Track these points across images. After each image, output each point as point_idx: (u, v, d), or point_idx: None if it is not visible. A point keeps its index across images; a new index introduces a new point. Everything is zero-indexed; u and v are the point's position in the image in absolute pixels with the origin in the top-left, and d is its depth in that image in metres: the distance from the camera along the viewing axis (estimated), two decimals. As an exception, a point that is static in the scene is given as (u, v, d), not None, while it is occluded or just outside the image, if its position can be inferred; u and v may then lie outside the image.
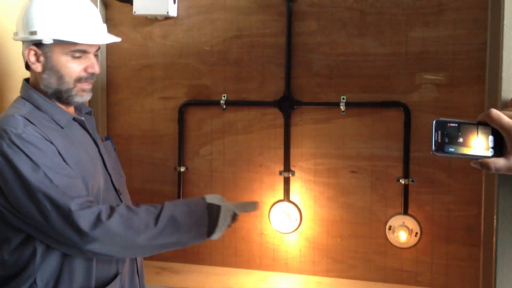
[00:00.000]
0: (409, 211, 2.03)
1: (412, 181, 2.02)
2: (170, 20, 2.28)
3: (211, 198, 1.55)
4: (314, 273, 2.17)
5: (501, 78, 1.01)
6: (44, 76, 1.53)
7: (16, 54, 1.60)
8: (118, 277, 1.57)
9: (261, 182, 2.21)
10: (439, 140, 0.89)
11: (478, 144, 0.90)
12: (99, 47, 1.60)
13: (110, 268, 1.56)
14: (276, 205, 2.17)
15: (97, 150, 1.64)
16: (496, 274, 1.02)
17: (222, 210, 1.52)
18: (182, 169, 2.28)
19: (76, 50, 1.51)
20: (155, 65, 2.31)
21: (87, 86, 1.56)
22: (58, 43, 1.49)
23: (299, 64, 2.13)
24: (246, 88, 2.20)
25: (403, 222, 2.02)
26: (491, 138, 0.91)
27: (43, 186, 1.36)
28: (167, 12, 2.20)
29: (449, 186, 2.00)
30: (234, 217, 1.56)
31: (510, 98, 0.98)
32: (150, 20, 2.30)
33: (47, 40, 1.48)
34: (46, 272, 1.44)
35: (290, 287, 2.10)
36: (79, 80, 1.53)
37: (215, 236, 1.51)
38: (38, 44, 1.50)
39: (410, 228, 2.02)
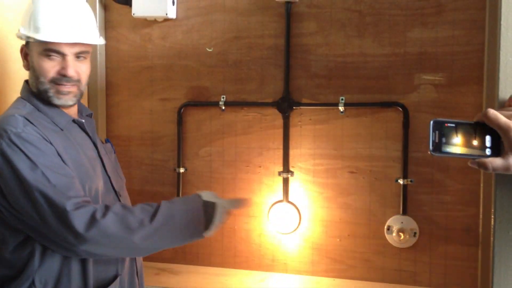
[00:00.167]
0: (408, 211, 2.04)
1: (411, 181, 2.03)
2: (169, 22, 2.28)
3: (206, 195, 1.55)
4: (313, 273, 2.18)
5: (498, 78, 1.01)
6: (30, 75, 1.55)
7: (15, 54, 1.60)
8: (118, 279, 1.57)
9: (260, 183, 2.22)
10: (437, 140, 0.90)
11: (476, 144, 0.91)
12: (85, 50, 1.53)
13: (109, 270, 1.56)
14: (275, 205, 2.17)
15: (96, 152, 1.64)
16: (494, 273, 1.03)
17: (218, 207, 1.51)
18: (182, 170, 2.29)
19: (47, 49, 1.48)
20: (154, 66, 2.32)
21: (63, 88, 1.51)
22: (36, 42, 1.49)
23: (298, 65, 2.14)
24: (245, 89, 2.21)
25: (402, 222, 2.03)
26: (488, 138, 0.91)
27: (40, 185, 1.36)
28: (166, 14, 2.20)
29: (447, 186, 2.01)
30: (227, 214, 1.55)
31: (507, 98, 0.98)
32: (149, 22, 2.30)
33: (23, 37, 1.51)
34: (45, 274, 1.44)
35: (289, 288, 2.11)
36: (53, 81, 1.50)
37: (210, 233, 1.51)
38: (27, 43, 1.53)
39: (409, 228, 2.02)
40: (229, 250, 2.27)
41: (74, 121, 1.60)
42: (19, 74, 1.61)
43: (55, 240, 1.39)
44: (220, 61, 2.23)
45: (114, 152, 1.83)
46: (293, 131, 2.16)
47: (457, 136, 0.91)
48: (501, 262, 1.02)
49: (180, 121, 2.28)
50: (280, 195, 2.18)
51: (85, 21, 1.54)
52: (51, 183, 1.37)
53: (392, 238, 2.05)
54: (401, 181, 2.03)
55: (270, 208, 2.18)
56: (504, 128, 0.89)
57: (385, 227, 2.06)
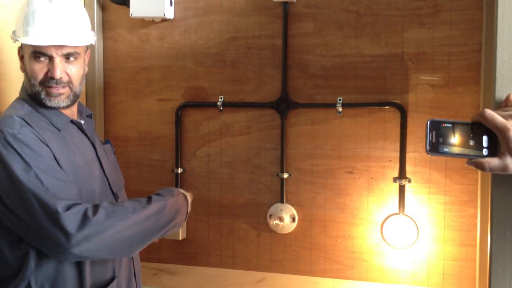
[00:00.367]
0: (406, 212, 2.04)
1: (409, 181, 2.03)
2: (167, 22, 2.28)
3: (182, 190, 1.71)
4: (311, 273, 2.18)
5: (495, 78, 1.01)
6: (24, 77, 1.56)
7: (14, 55, 1.60)
8: (115, 280, 1.57)
9: (258, 183, 2.22)
10: (434, 140, 0.90)
11: (472, 144, 0.91)
12: (73, 52, 1.52)
13: (106, 271, 1.55)
14: (273, 206, 2.17)
15: (94, 153, 1.64)
16: (491, 273, 1.03)
17: (189, 198, 1.70)
18: (180, 170, 2.29)
19: (35, 52, 1.48)
20: (152, 67, 2.32)
21: (54, 90, 1.50)
22: (26, 45, 1.50)
23: (295, 66, 2.14)
24: (243, 89, 2.21)
25: (400, 223, 2.03)
26: (485, 138, 0.92)
27: (33, 187, 1.35)
28: (164, 14, 2.20)
29: (445, 186, 2.01)
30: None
31: (504, 98, 0.99)
32: (147, 22, 2.30)
33: (14, 40, 1.52)
34: (41, 275, 1.43)
35: (287, 288, 2.11)
36: (43, 83, 1.50)
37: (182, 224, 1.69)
38: (21, 45, 1.54)
39: (407, 228, 2.02)
40: (227, 250, 2.27)
41: (72, 122, 1.60)
42: (18, 75, 1.61)
43: (47, 242, 1.37)
44: (217, 61, 2.23)
45: (114, 153, 1.83)
46: (290, 132, 2.16)
47: (454, 136, 0.91)
48: (498, 262, 1.02)
49: (178, 122, 2.28)
50: (278, 195, 2.18)
51: (72, 22, 1.53)
52: (44, 185, 1.36)
53: (390, 238, 2.05)
54: (398, 181, 2.03)
55: (268, 209, 2.18)
56: (500, 128, 0.89)
57: (383, 227, 2.06)
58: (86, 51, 1.63)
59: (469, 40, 1.95)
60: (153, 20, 2.29)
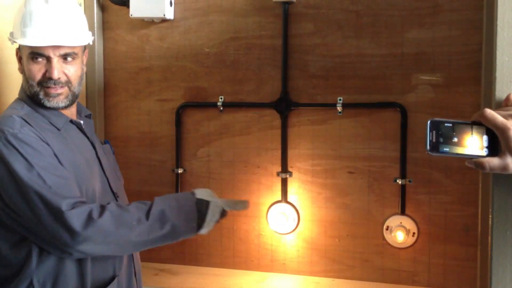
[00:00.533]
0: (406, 211, 2.04)
1: (409, 181, 2.03)
2: (166, 23, 2.28)
3: (201, 193, 1.55)
4: (312, 273, 2.18)
5: (495, 78, 1.01)
6: (23, 78, 1.56)
7: (12, 56, 1.61)
8: (116, 279, 1.57)
9: (258, 183, 2.22)
10: (434, 140, 0.90)
11: (473, 144, 0.91)
12: (70, 52, 1.52)
13: (107, 270, 1.56)
14: (274, 206, 2.17)
15: (94, 153, 1.64)
16: (492, 273, 1.03)
17: (211, 206, 1.51)
18: (180, 171, 2.29)
19: (33, 53, 1.49)
20: (152, 67, 2.32)
21: (52, 91, 1.51)
22: (23, 46, 1.51)
23: (295, 66, 2.14)
24: (243, 89, 2.21)
25: (401, 222, 2.03)
26: (485, 137, 0.91)
27: (35, 185, 1.36)
28: (164, 15, 2.20)
29: (446, 186, 2.01)
30: (223, 214, 1.54)
31: (504, 98, 0.98)
32: (147, 23, 2.30)
33: (12, 42, 1.53)
34: (43, 274, 1.44)
35: (288, 288, 2.11)
36: (41, 84, 1.50)
37: (203, 231, 1.51)
38: (19, 47, 1.55)
39: (408, 228, 2.02)
40: (228, 251, 2.27)
41: (72, 122, 1.60)
42: (17, 76, 1.62)
43: (51, 240, 1.39)
44: (217, 61, 2.23)
45: (113, 153, 1.83)
46: (291, 132, 2.16)
47: (454, 135, 0.91)
48: (499, 262, 1.02)
49: (178, 122, 2.28)
50: (278, 195, 2.18)
51: (69, 23, 1.53)
52: (46, 184, 1.37)
53: (391, 238, 2.05)
54: (399, 181, 2.03)
55: (268, 209, 2.18)
56: (501, 128, 0.89)
57: (384, 227, 2.06)
58: (84, 51, 1.63)
59: (469, 40, 1.95)
60: (153, 21, 2.29)
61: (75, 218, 1.35)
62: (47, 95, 1.51)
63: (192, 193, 1.55)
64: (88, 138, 1.65)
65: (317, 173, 2.15)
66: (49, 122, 1.53)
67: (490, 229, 1.03)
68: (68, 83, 1.54)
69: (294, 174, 2.17)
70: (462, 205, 2.00)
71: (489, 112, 0.90)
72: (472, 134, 0.91)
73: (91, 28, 1.97)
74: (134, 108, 2.36)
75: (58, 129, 1.53)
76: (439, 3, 1.97)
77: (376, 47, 2.04)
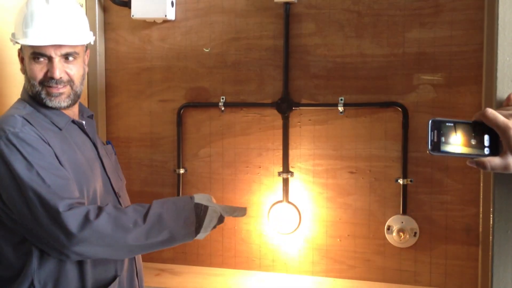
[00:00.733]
0: (408, 211, 2.04)
1: (411, 181, 2.03)
2: (168, 23, 2.29)
3: (199, 198, 1.54)
4: (314, 273, 2.18)
5: (496, 77, 1.02)
6: (25, 78, 1.57)
7: (15, 56, 1.61)
8: (117, 279, 1.57)
9: (260, 184, 2.22)
10: (435, 140, 0.90)
11: (474, 143, 0.91)
12: (72, 51, 1.53)
13: (108, 270, 1.56)
14: (275, 206, 2.17)
15: (96, 153, 1.64)
16: (493, 273, 1.03)
17: (209, 211, 1.50)
18: (181, 171, 2.29)
19: (34, 53, 1.50)
20: (154, 68, 2.32)
21: (54, 90, 1.51)
22: (25, 46, 1.51)
23: (297, 66, 2.14)
24: (245, 90, 2.21)
25: (402, 222, 2.03)
26: (486, 137, 0.92)
27: (34, 185, 1.36)
28: (165, 16, 2.21)
29: (447, 186, 2.01)
30: (220, 219, 1.54)
31: (505, 97, 0.99)
32: (149, 24, 2.31)
33: (13, 42, 1.54)
34: (44, 274, 1.44)
35: (289, 288, 2.11)
36: (43, 83, 1.51)
37: (200, 236, 1.50)
38: (21, 47, 1.56)
39: (409, 228, 2.02)
40: (229, 251, 2.27)
41: (73, 122, 1.60)
42: (20, 76, 1.63)
43: (48, 241, 1.38)
44: (219, 62, 2.23)
45: (115, 154, 1.84)
46: (292, 132, 2.16)
47: (455, 135, 0.91)
48: (500, 262, 1.02)
49: (179, 122, 2.28)
50: (280, 195, 2.18)
51: (69, 22, 1.54)
52: (45, 183, 1.37)
53: (392, 238, 2.05)
54: (400, 181, 2.03)
55: (270, 209, 2.18)
56: (502, 128, 0.89)
57: (385, 227, 2.06)
58: (85, 51, 1.64)
59: (470, 40, 1.95)
60: (154, 21, 2.29)
61: (72, 219, 1.35)
62: (49, 94, 1.52)
63: (190, 197, 1.55)
64: (90, 138, 1.65)
65: (318, 173, 2.15)
66: (51, 122, 1.53)
67: (491, 229, 1.03)
68: (70, 82, 1.54)
69: (295, 174, 2.17)
70: (463, 205, 2.00)
71: (491, 111, 0.90)
72: (473, 133, 0.91)
73: (92, 29, 1.97)
74: (135, 108, 2.36)
75: (60, 129, 1.54)
76: (440, 3, 1.97)
77: (377, 47, 2.05)
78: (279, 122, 2.17)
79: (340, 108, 2.07)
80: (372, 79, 2.06)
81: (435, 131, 0.90)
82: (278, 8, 2.13)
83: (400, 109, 2.02)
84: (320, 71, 2.12)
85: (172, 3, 2.23)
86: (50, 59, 1.50)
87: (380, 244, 2.09)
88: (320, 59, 2.11)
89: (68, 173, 1.45)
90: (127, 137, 2.38)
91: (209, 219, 1.50)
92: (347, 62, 2.08)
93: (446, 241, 2.03)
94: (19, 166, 1.37)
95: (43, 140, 1.44)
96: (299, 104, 2.14)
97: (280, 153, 2.17)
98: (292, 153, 2.17)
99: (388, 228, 2.06)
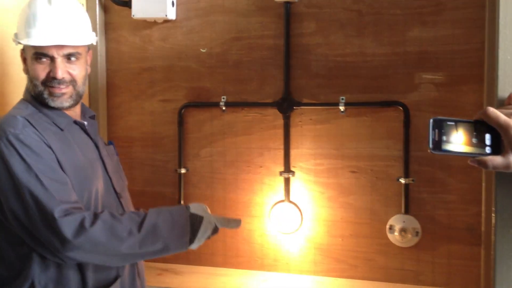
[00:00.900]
0: (410, 211, 2.03)
1: (412, 180, 2.02)
2: (169, 23, 2.29)
3: (195, 208, 1.54)
4: (315, 273, 2.18)
5: (497, 76, 1.01)
6: (27, 79, 1.57)
7: (17, 57, 1.62)
8: (118, 280, 1.57)
9: (261, 183, 2.22)
10: (437, 139, 0.90)
11: (475, 142, 0.91)
12: (74, 51, 1.53)
13: (109, 271, 1.56)
14: (277, 205, 2.17)
15: (97, 153, 1.64)
16: (495, 272, 1.02)
17: (204, 221, 1.51)
18: (183, 171, 2.29)
19: (37, 53, 1.50)
20: (155, 68, 2.32)
21: (56, 90, 1.52)
22: (27, 46, 1.52)
23: (298, 65, 2.14)
24: (246, 89, 2.21)
25: (404, 222, 2.03)
26: (488, 136, 0.91)
27: (32, 187, 1.37)
28: (166, 15, 2.21)
29: (449, 185, 2.01)
30: (214, 230, 1.54)
31: (506, 96, 0.98)
32: (149, 23, 2.31)
33: (16, 42, 1.54)
34: (44, 275, 1.44)
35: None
36: (45, 84, 1.51)
37: (193, 246, 1.51)
38: (24, 47, 1.56)
39: (411, 227, 2.02)
40: (231, 250, 2.27)
41: (75, 122, 1.60)
42: (21, 76, 1.63)
43: (43, 243, 1.39)
44: (220, 61, 2.23)
45: (117, 154, 1.83)
46: (293, 131, 2.16)
47: (457, 134, 0.91)
48: (502, 261, 1.02)
49: (181, 122, 2.28)
50: (281, 195, 2.18)
51: (71, 23, 1.54)
52: (43, 186, 1.38)
53: (394, 237, 2.05)
54: (402, 180, 2.03)
55: (271, 208, 2.18)
56: (504, 126, 0.89)
57: (387, 226, 2.06)
58: (87, 52, 1.64)
59: (471, 39, 1.95)
60: (155, 21, 2.29)
61: (67, 226, 1.35)
62: (51, 94, 1.52)
63: (186, 207, 1.55)
64: (91, 139, 1.65)
65: (319, 172, 2.14)
66: (53, 122, 1.53)
67: (493, 228, 1.03)
68: (72, 82, 1.55)
69: (296, 174, 2.17)
70: (465, 204, 2.00)
71: (492, 110, 0.90)
72: (475, 132, 0.91)
73: (93, 29, 1.97)
74: (137, 108, 2.36)
75: (62, 130, 1.54)
76: (441, 2, 1.97)
77: (378, 46, 2.04)
78: (280, 121, 2.16)
79: (341, 108, 2.07)
80: (373, 78, 2.06)
81: (437, 130, 0.90)
82: (279, 7, 2.13)
83: (401, 108, 2.02)
84: (321, 70, 2.11)
85: (172, 3, 2.23)
86: (52, 59, 1.50)
87: (382, 243, 2.09)
88: (321, 58, 2.11)
89: (66, 177, 1.45)
90: (128, 137, 2.38)
91: (204, 230, 1.50)
92: (348, 61, 2.08)
93: (448, 240, 2.02)
94: (18, 168, 1.38)
95: (44, 142, 1.44)
96: (300, 104, 2.13)
97: (281, 153, 2.17)
98: (293, 152, 2.17)
99: (390, 228, 2.05)
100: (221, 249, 2.28)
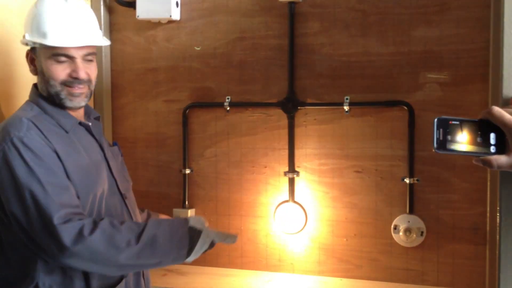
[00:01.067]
0: (415, 211, 2.03)
1: (417, 180, 2.02)
2: (173, 24, 2.29)
3: (194, 221, 1.53)
4: (320, 273, 2.18)
5: (502, 76, 1.01)
6: (38, 79, 1.57)
7: (20, 59, 1.62)
8: (123, 281, 1.58)
9: (266, 183, 2.22)
10: (441, 138, 0.90)
11: (480, 142, 0.91)
12: (92, 52, 1.55)
13: None
14: (281, 206, 2.17)
15: (102, 155, 1.64)
16: (500, 271, 1.02)
17: (202, 236, 1.50)
18: (187, 171, 2.29)
19: (56, 53, 1.49)
20: (159, 68, 2.33)
21: (76, 90, 1.52)
22: (43, 47, 1.50)
23: (302, 65, 2.14)
24: (250, 89, 2.21)
25: (409, 221, 2.02)
26: (492, 135, 0.91)
27: (33, 190, 1.37)
28: (170, 16, 2.21)
29: (454, 184, 2.00)
30: (211, 245, 1.54)
31: (511, 96, 0.98)
32: (154, 24, 2.31)
33: (30, 43, 1.52)
34: (48, 277, 1.44)
35: (296, 288, 2.11)
36: (64, 83, 1.51)
37: (189, 259, 1.50)
38: (33, 48, 1.54)
39: (416, 227, 2.02)
40: (235, 251, 2.27)
41: (80, 123, 1.61)
42: (26, 78, 1.63)
43: (41, 248, 1.39)
44: (224, 62, 2.23)
45: (121, 155, 1.84)
46: (298, 131, 2.16)
47: (461, 133, 0.91)
48: (507, 260, 1.02)
49: (185, 123, 2.28)
50: (286, 195, 2.18)
51: (89, 23, 1.56)
52: (44, 190, 1.37)
53: (399, 237, 2.04)
54: (407, 180, 2.02)
55: (276, 209, 2.18)
56: (508, 126, 0.88)
57: (392, 226, 2.05)
58: None
59: (476, 38, 1.94)
60: (159, 22, 2.30)
61: (66, 233, 1.35)
62: (70, 94, 1.52)
63: (185, 219, 1.55)
64: (96, 140, 1.65)
65: (324, 172, 2.14)
66: (58, 124, 1.53)
67: (498, 228, 1.03)
68: (89, 82, 1.56)
69: (301, 174, 2.17)
70: (470, 204, 1.99)
71: (497, 110, 0.90)
72: (479, 132, 0.91)
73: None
74: (141, 109, 2.37)
75: (66, 131, 1.54)
76: (446, 1, 1.96)
77: (383, 46, 2.04)
78: (284, 121, 2.17)
79: (346, 107, 2.07)
80: (377, 78, 2.05)
81: (441, 130, 0.90)
82: (283, 7, 2.13)
83: (406, 108, 2.01)
84: (326, 70, 2.11)
85: (177, 3, 2.23)
86: (71, 59, 1.50)
87: (386, 243, 2.08)
88: (325, 58, 2.11)
89: (68, 181, 1.45)
90: (133, 137, 2.39)
91: (201, 244, 1.49)
92: (352, 61, 2.08)
93: (453, 240, 2.02)
94: (20, 171, 1.38)
95: (48, 145, 1.44)
96: (304, 104, 2.13)
97: (286, 153, 2.17)
98: (297, 152, 2.17)
99: (395, 228, 2.05)
100: (226, 250, 2.28)
